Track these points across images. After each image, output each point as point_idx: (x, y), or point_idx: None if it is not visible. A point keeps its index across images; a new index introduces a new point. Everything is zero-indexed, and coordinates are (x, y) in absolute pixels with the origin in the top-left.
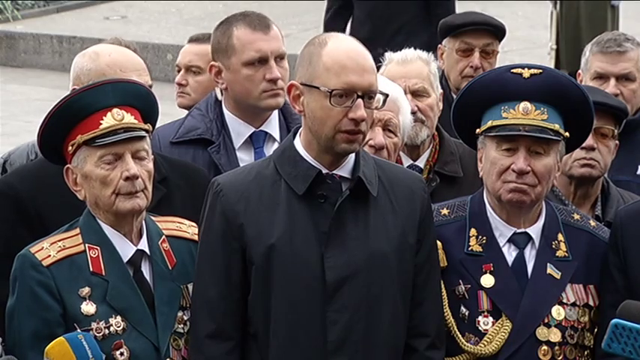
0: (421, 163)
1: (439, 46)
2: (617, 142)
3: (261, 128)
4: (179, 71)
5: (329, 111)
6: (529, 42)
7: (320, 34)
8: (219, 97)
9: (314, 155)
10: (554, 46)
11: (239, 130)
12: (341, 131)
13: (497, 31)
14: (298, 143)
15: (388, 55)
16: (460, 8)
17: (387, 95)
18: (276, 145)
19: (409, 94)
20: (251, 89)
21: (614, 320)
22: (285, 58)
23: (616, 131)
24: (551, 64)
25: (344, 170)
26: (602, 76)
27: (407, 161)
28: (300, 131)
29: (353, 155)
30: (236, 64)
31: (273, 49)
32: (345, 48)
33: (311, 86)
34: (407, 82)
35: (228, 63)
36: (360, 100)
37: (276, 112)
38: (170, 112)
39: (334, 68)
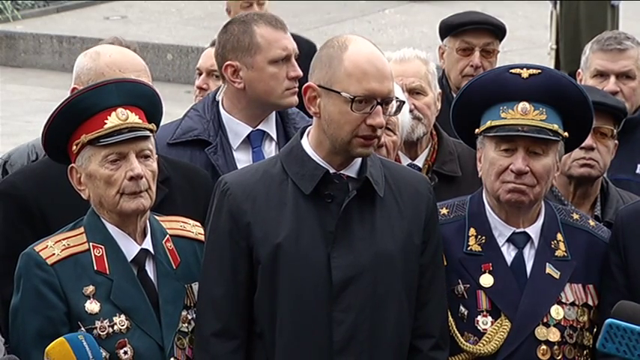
0: (420, 162)
1: (439, 45)
2: (616, 141)
3: (258, 127)
4: (200, 75)
5: (348, 116)
6: (529, 42)
7: (337, 36)
8: (218, 97)
9: (323, 155)
10: (554, 46)
11: (236, 130)
12: (358, 136)
13: (497, 31)
14: (306, 143)
15: (387, 54)
16: (460, 8)
17: (403, 102)
18: (273, 145)
19: (406, 92)
20: (275, 87)
21: (609, 320)
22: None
23: (615, 131)
24: (551, 64)
25: (351, 170)
26: (602, 74)
27: (405, 161)
28: (308, 131)
29: None
30: (261, 62)
31: (294, 47)
32: (366, 53)
33: (330, 90)
34: (404, 80)
35: (251, 61)
36: (379, 107)
37: (273, 112)
38: (171, 112)
39: (356, 74)
